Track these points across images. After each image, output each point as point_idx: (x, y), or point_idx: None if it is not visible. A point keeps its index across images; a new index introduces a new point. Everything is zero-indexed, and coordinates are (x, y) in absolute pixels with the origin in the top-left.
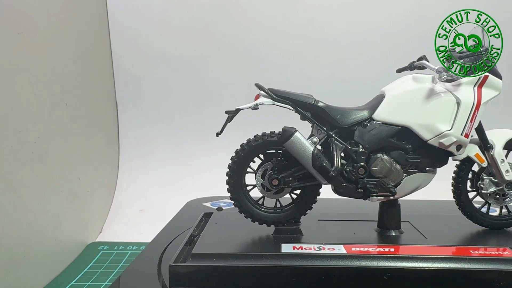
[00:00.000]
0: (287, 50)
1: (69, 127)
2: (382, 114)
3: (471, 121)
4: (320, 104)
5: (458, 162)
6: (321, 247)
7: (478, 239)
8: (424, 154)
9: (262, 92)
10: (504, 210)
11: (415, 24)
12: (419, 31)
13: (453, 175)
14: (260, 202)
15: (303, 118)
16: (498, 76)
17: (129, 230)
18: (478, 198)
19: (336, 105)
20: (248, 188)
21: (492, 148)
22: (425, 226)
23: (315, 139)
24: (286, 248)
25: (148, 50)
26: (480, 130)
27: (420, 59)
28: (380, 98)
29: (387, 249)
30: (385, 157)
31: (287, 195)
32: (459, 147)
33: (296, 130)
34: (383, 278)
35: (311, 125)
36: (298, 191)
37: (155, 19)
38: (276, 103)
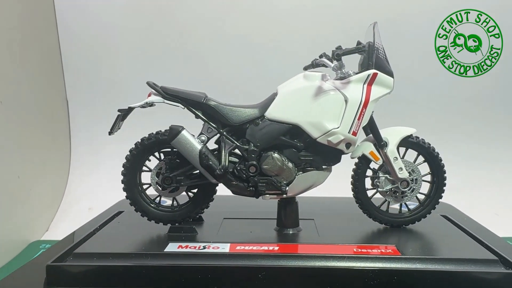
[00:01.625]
0: (239, 49)
1: (5, 126)
2: (273, 112)
3: (358, 119)
4: (210, 102)
5: (356, 160)
6: (206, 246)
7: (372, 237)
8: (316, 152)
9: (153, 91)
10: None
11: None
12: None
13: (352, 173)
14: (157, 201)
15: (197, 116)
16: (389, 74)
17: (75, 228)
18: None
19: None
20: (145, 186)
21: (386, 146)
22: (326, 224)
23: (203, 137)
24: (171, 247)
25: (99, 47)
26: (373, 127)
27: (320, 56)
28: (273, 96)
29: (271, 248)
30: (276, 155)
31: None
32: (348, 145)
33: (183, 128)
34: (258, 277)
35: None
36: (195, 190)
37: (107, 11)
38: (166, 101)
